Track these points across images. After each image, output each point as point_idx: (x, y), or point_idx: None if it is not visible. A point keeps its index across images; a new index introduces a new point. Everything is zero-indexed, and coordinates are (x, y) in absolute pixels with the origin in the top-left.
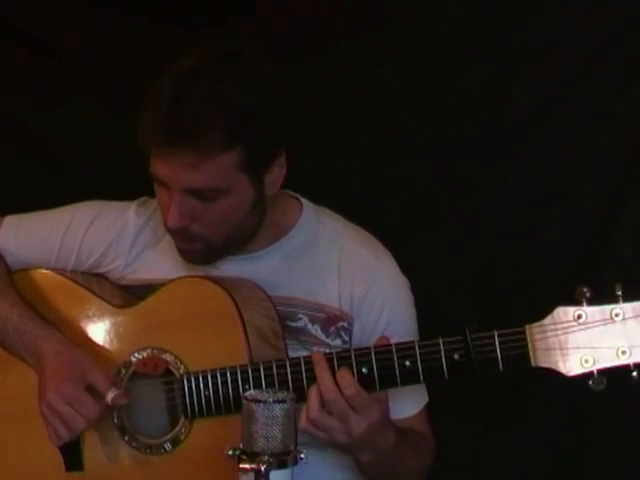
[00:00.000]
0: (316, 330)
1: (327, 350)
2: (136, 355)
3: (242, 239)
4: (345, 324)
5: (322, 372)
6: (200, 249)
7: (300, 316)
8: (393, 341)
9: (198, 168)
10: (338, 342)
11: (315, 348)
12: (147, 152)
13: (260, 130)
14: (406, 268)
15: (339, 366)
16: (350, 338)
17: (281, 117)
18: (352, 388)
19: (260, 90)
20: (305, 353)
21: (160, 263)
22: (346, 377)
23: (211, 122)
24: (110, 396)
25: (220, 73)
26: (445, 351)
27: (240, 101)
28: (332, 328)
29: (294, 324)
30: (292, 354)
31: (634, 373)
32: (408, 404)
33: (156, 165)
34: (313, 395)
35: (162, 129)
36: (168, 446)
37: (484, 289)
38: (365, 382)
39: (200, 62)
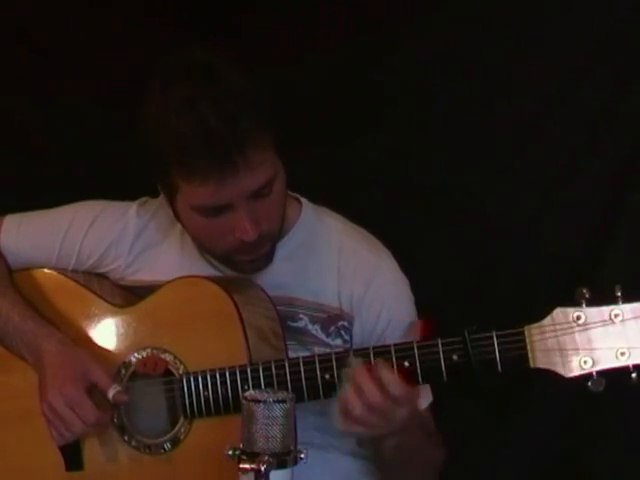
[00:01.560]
0: (316, 330)
1: (327, 350)
2: (136, 355)
3: (283, 221)
4: (345, 323)
5: (363, 377)
6: (267, 250)
7: (301, 316)
8: (393, 340)
9: (263, 164)
10: (339, 342)
11: (316, 348)
12: (188, 189)
13: (269, 106)
14: (406, 268)
15: (338, 367)
16: (351, 337)
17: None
18: (399, 388)
19: (248, 78)
20: (305, 353)
21: (161, 264)
22: (391, 378)
23: (248, 117)
24: (112, 393)
25: (216, 77)
26: (444, 352)
27: (249, 90)
28: (332, 328)
29: (294, 324)
30: (292, 354)
31: (633, 374)
32: None
33: (216, 194)
34: (354, 394)
35: (218, 156)
36: (167, 446)
37: (483, 290)
38: None
39: (192, 78)
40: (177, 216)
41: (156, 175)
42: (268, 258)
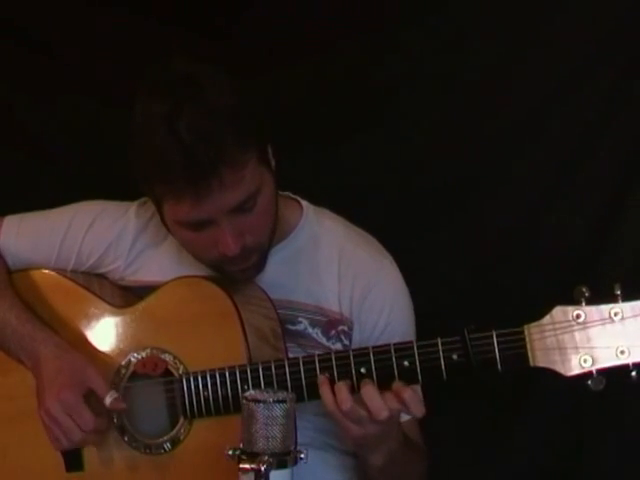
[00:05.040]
0: (316, 334)
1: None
2: (135, 355)
3: (275, 230)
4: (345, 328)
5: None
6: (256, 260)
7: (300, 319)
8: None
9: (240, 181)
10: (339, 346)
11: (316, 352)
12: (171, 205)
13: (254, 119)
14: (406, 268)
15: (338, 366)
16: (350, 342)
17: (253, 103)
18: (384, 413)
19: (229, 88)
20: None
21: (160, 265)
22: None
23: (226, 135)
24: (109, 400)
25: (197, 93)
26: (443, 351)
27: (232, 104)
28: (333, 332)
29: (294, 327)
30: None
31: (633, 373)
32: None
33: (194, 211)
34: (343, 388)
35: (192, 176)
36: (168, 446)
37: (483, 289)
38: None
39: (173, 94)
40: (166, 227)
41: (141, 187)
42: (258, 268)
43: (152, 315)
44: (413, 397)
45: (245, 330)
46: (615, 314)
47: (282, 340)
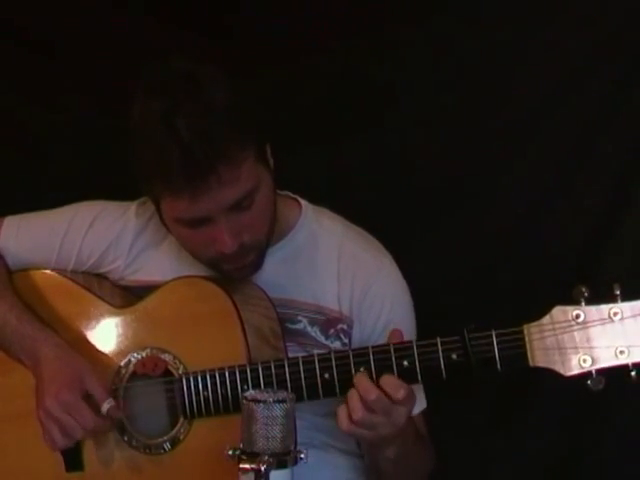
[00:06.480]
0: (315, 332)
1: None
2: (135, 355)
3: (274, 228)
4: (345, 326)
5: (360, 377)
6: (254, 259)
7: (300, 318)
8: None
9: (238, 179)
10: (338, 344)
11: (315, 351)
12: (168, 202)
13: (252, 118)
14: (406, 268)
15: (337, 366)
16: (350, 340)
17: (251, 102)
18: (401, 390)
19: (227, 86)
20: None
21: (160, 265)
22: (389, 376)
23: (224, 133)
24: (106, 407)
25: (196, 91)
26: (443, 351)
27: (230, 103)
28: (332, 330)
29: (293, 326)
30: (291, 356)
31: (632, 373)
32: None
33: (191, 208)
34: (354, 398)
35: (190, 173)
36: (167, 446)
37: (483, 288)
38: None
39: (171, 91)
40: (164, 224)
41: (140, 184)
42: (255, 266)
43: (152, 315)
44: (389, 380)
45: (245, 330)
46: (614, 314)
47: (282, 339)
